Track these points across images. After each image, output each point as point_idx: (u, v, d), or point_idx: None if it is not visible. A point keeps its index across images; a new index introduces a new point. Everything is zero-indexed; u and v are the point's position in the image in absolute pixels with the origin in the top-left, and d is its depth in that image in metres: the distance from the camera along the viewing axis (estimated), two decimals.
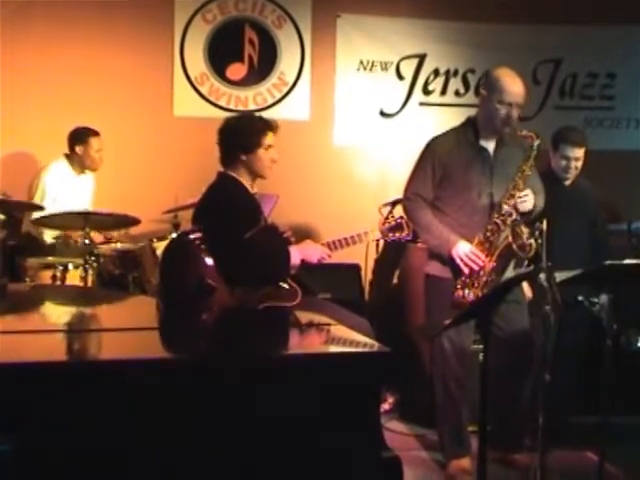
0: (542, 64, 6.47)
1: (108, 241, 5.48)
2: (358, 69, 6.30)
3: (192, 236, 3.55)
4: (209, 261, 3.43)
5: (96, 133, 5.55)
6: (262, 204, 4.05)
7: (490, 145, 4.12)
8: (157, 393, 2.26)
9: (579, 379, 4.59)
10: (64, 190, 5.50)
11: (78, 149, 5.54)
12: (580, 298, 4.14)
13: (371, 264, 5.53)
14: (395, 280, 5.70)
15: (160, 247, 4.99)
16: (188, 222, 4.17)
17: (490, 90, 4.04)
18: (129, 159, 6.02)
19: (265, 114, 5.70)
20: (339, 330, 2.96)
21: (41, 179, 5.50)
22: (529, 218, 4.03)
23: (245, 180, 3.87)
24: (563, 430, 4.24)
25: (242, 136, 3.82)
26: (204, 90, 6.14)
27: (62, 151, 5.59)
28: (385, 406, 4.96)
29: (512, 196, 3.98)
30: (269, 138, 3.85)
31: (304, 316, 3.25)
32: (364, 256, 5.46)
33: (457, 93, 6.41)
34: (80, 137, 5.53)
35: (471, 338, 4.18)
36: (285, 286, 3.76)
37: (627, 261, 3.89)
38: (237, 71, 6.19)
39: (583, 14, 6.38)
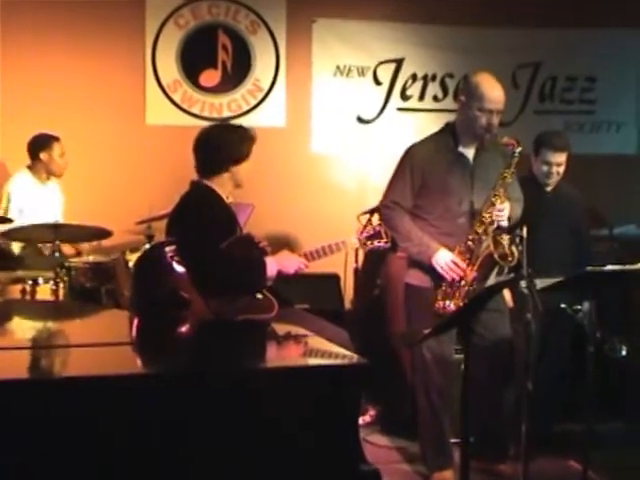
0: (521, 68, 6.50)
1: (79, 253, 5.45)
2: (335, 74, 6.31)
3: (166, 247, 3.54)
4: (183, 273, 3.42)
5: (57, 138, 5.55)
6: (237, 214, 4.06)
7: (470, 151, 4.14)
8: (129, 410, 2.25)
9: (562, 387, 4.61)
10: (30, 201, 5.47)
11: (42, 155, 5.52)
12: (562, 305, 4.17)
13: (350, 274, 5.53)
14: (376, 290, 5.71)
15: (133, 259, 4.97)
16: (162, 233, 4.16)
17: (470, 97, 4.05)
18: (100, 169, 5.99)
19: (240, 121, 5.82)
20: (317, 342, 2.96)
21: (4, 191, 5.48)
22: (507, 227, 4.05)
23: (222, 190, 3.88)
24: (547, 439, 4.27)
25: (234, 148, 3.86)
26: (177, 97, 6.13)
27: (28, 158, 5.56)
28: (366, 418, 4.97)
29: (492, 205, 4.00)
30: (252, 149, 3.90)
31: (281, 328, 3.25)
32: (343, 266, 5.46)
33: (435, 98, 6.44)
34: (44, 143, 5.52)
35: (452, 347, 4.19)
36: (261, 297, 3.76)
37: (609, 267, 3.92)
38: (211, 77, 6.18)
39: (562, 17, 6.42)
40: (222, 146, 3.86)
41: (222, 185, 3.88)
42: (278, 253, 3.93)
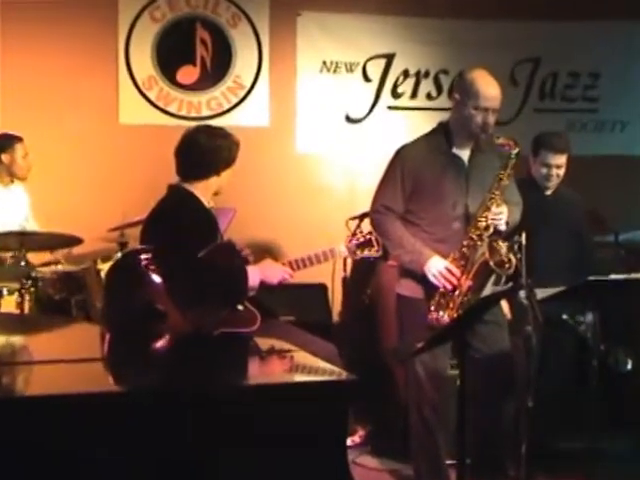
0: (520, 63, 6.52)
1: (47, 263, 5.43)
2: (321, 71, 6.32)
3: (140, 256, 3.54)
4: (159, 283, 3.42)
5: (20, 139, 5.53)
6: (218, 219, 4.07)
7: (464, 152, 4.15)
8: (99, 431, 2.25)
9: (565, 403, 4.63)
10: None
11: (4, 157, 5.50)
12: (564, 317, 4.21)
13: (339, 284, 5.54)
14: (365, 301, 5.72)
15: (105, 268, 4.94)
16: (136, 240, 4.16)
17: (464, 94, 4.07)
18: (70, 172, 5.98)
19: (220, 121, 5.84)
20: (302, 357, 2.97)
21: None
22: (505, 232, 4.07)
23: (203, 195, 3.91)
24: (548, 457, 4.28)
25: (224, 154, 3.94)
26: (152, 95, 6.12)
27: None
28: (355, 439, 4.97)
29: (488, 209, 4.01)
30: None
31: (264, 342, 3.25)
32: (331, 275, 5.47)
33: (429, 96, 6.45)
34: (5, 144, 5.50)
35: (447, 362, 4.19)
36: (243, 309, 3.76)
37: (613, 276, 3.94)
38: (188, 74, 6.18)
39: (563, 8, 6.44)
40: (212, 151, 3.92)
41: (204, 190, 3.94)
42: (261, 262, 3.93)
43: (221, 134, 4.01)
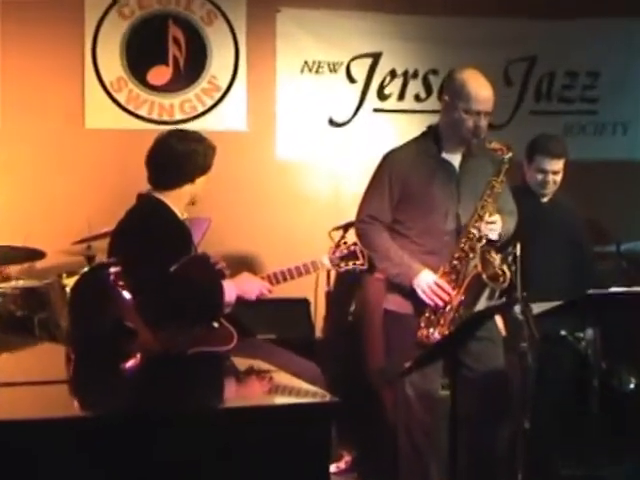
0: (514, 63, 6.56)
1: (7, 278, 5.41)
2: (302, 71, 6.33)
3: (108, 270, 3.53)
4: (128, 299, 3.42)
5: None
6: (191, 230, 4.07)
7: (455, 158, 4.17)
8: (64, 458, 2.25)
9: (563, 425, 4.64)
10: None
11: None
12: (563, 333, 4.22)
13: (322, 298, 5.55)
14: (350, 316, 5.73)
15: (70, 283, 4.95)
16: (104, 254, 4.15)
17: (455, 96, 4.09)
18: (32, 180, 5.96)
19: (195, 124, 5.85)
20: (282, 377, 2.98)
21: None
22: (498, 243, 4.09)
23: (176, 205, 3.92)
24: None
25: (198, 160, 3.94)
26: (121, 97, 6.12)
27: None
28: (341, 465, 4.97)
29: (480, 218, 4.03)
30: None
31: (241, 362, 3.26)
32: (313, 289, 5.48)
33: (417, 98, 6.47)
34: None
35: (438, 382, 4.20)
36: (219, 327, 3.76)
37: (615, 289, 3.96)
38: (160, 75, 6.18)
39: (560, 5, 6.49)
40: (185, 158, 3.92)
41: (177, 200, 3.94)
42: (238, 275, 3.94)
43: (195, 138, 4.01)
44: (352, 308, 5.69)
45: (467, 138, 4.08)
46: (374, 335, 5.02)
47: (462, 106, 4.05)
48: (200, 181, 3.97)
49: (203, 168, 3.96)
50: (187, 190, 3.95)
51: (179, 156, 3.92)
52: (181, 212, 3.95)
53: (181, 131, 4.14)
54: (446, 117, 4.15)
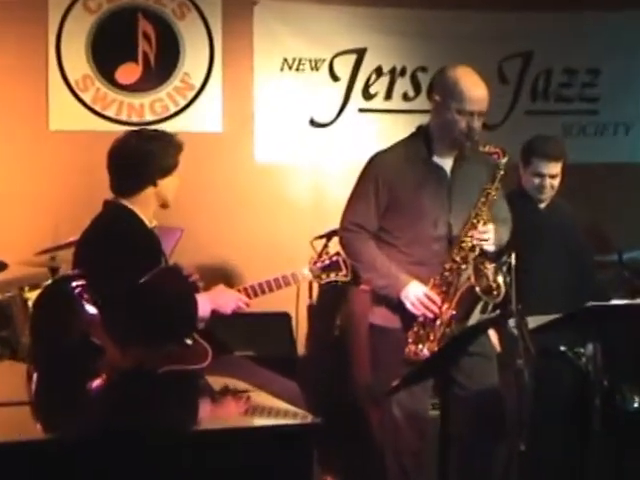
0: (509, 59, 6.60)
1: None
2: (282, 69, 6.35)
3: (73, 283, 3.53)
4: (94, 314, 3.42)
5: None
6: (162, 240, 4.06)
7: (447, 162, 4.18)
8: None
9: (563, 447, 4.66)
10: None
11: None
12: (562, 348, 4.22)
13: (304, 312, 5.56)
14: (335, 331, 5.74)
15: (33, 297, 4.94)
16: (68, 265, 4.15)
17: (446, 96, 4.09)
18: None
19: (167, 125, 5.83)
20: (260, 398, 2.98)
21: None
22: (493, 254, 4.10)
23: (143, 211, 3.91)
24: None
25: (156, 160, 3.90)
26: (87, 97, 6.12)
27: None
28: None
29: (474, 227, 4.04)
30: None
31: (217, 381, 3.27)
32: (294, 302, 5.49)
33: (405, 97, 6.50)
34: None
35: (428, 402, 4.22)
36: (192, 344, 3.76)
37: (616, 301, 3.98)
38: (129, 73, 6.19)
39: None
40: (142, 158, 3.89)
41: (144, 205, 3.92)
42: (212, 288, 3.94)
43: (154, 136, 4.00)
44: (336, 322, 5.69)
45: (460, 140, 4.09)
46: (360, 351, 5.03)
47: (455, 106, 4.05)
48: (165, 183, 3.93)
49: (164, 168, 3.92)
50: (150, 194, 3.92)
51: (135, 158, 3.90)
52: (149, 219, 3.93)
53: (139, 131, 4.12)
54: (437, 118, 4.16)
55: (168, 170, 3.93)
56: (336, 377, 5.57)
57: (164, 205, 3.99)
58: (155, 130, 4.12)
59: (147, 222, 3.92)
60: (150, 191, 3.92)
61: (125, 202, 3.90)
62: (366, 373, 4.55)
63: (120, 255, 3.69)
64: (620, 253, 5.48)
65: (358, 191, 4.22)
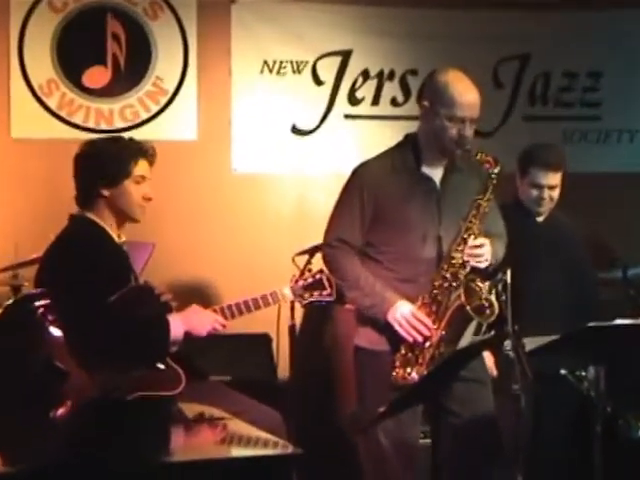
0: (505, 61, 6.61)
1: None
2: (262, 71, 6.35)
3: (35, 302, 3.53)
4: (59, 336, 3.42)
5: None
6: (132, 256, 4.06)
7: (436, 172, 4.20)
8: None
9: (562, 477, 4.67)
10: None
11: None
12: (562, 372, 4.23)
13: (285, 333, 5.55)
14: (319, 354, 5.74)
15: None
16: (31, 283, 4.15)
17: (436, 101, 4.12)
18: None
19: (137, 133, 5.83)
20: (238, 426, 2.98)
21: None
22: (486, 270, 4.11)
23: (109, 225, 3.89)
24: None
25: (103, 164, 3.85)
26: (52, 103, 6.11)
27: None
28: None
29: (464, 242, 4.06)
30: (141, 167, 3.91)
31: (191, 408, 3.26)
32: (275, 323, 5.48)
33: (394, 102, 6.50)
34: None
35: (417, 430, 4.22)
36: (164, 368, 3.76)
37: (620, 321, 3.99)
38: (98, 76, 6.17)
39: None
40: (90, 163, 3.89)
41: (103, 219, 3.89)
42: (186, 309, 3.93)
43: (108, 141, 3.99)
44: (320, 344, 5.70)
45: (450, 149, 4.11)
46: (345, 376, 5.03)
47: (444, 112, 4.08)
48: (118, 193, 3.87)
49: (110, 177, 3.86)
50: (103, 205, 3.88)
51: (83, 164, 3.90)
52: (117, 234, 3.92)
53: (97, 138, 4.11)
54: (426, 125, 4.18)
55: (116, 179, 3.87)
56: (320, 403, 5.57)
57: (127, 219, 3.95)
58: (113, 136, 4.10)
59: (115, 237, 3.91)
60: (101, 202, 3.88)
61: (91, 216, 3.89)
62: (351, 399, 4.55)
63: (86, 273, 3.68)
64: (625, 269, 5.48)
65: (342, 205, 4.24)
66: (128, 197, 3.90)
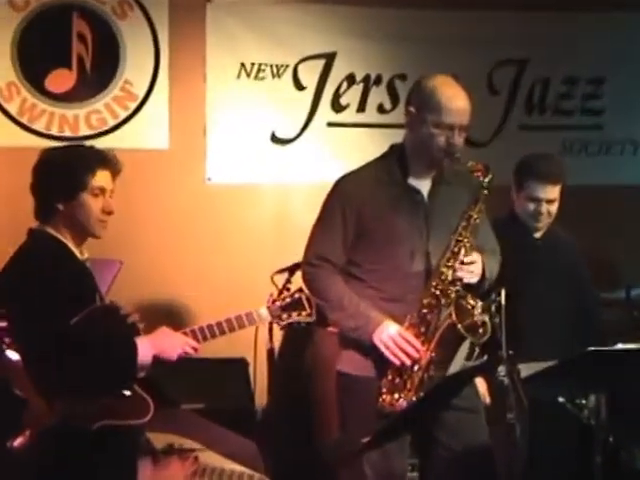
0: (500, 66, 6.63)
1: None
2: (239, 76, 6.35)
3: None
4: (16, 360, 3.40)
5: None
6: (97, 274, 4.04)
7: (424, 184, 4.20)
8: None
9: None
10: None
11: None
12: (560, 400, 4.24)
13: (263, 357, 5.54)
14: (300, 380, 5.74)
15: None
16: None
17: (422, 107, 4.13)
18: None
19: (104, 141, 5.83)
20: (211, 458, 2.98)
21: None
22: (480, 289, 4.11)
23: (70, 240, 3.87)
24: None
25: (57, 176, 3.83)
26: (13, 108, 6.10)
27: None
28: None
29: (454, 256, 4.06)
30: (101, 178, 3.86)
31: (160, 439, 3.25)
32: (252, 346, 5.47)
33: (381, 109, 6.51)
34: None
35: (405, 462, 4.22)
36: (131, 395, 3.75)
37: (622, 346, 3.99)
38: (62, 80, 6.17)
39: None
40: (46, 173, 3.87)
41: (61, 234, 3.85)
42: (155, 330, 3.91)
43: (65, 150, 4.00)
44: (301, 369, 5.69)
45: (438, 158, 4.12)
46: (328, 403, 5.02)
47: (431, 119, 4.08)
48: (74, 205, 3.82)
49: (65, 189, 3.82)
50: (59, 219, 3.85)
51: (40, 175, 3.88)
52: (79, 250, 3.90)
53: (51, 148, 4.10)
54: (412, 133, 4.19)
55: (70, 191, 3.83)
56: (300, 433, 5.56)
57: (87, 234, 3.91)
58: (71, 145, 4.09)
59: (77, 253, 3.89)
60: (59, 216, 3.85)
61: (51, 231, 3.87)
62: (334, 428, 4.55)
63: (45, 292, 3.66)
64: (628, 289, 5.51)
65: (322, 221, 4.24)
66: (86, 211, 3.85)
